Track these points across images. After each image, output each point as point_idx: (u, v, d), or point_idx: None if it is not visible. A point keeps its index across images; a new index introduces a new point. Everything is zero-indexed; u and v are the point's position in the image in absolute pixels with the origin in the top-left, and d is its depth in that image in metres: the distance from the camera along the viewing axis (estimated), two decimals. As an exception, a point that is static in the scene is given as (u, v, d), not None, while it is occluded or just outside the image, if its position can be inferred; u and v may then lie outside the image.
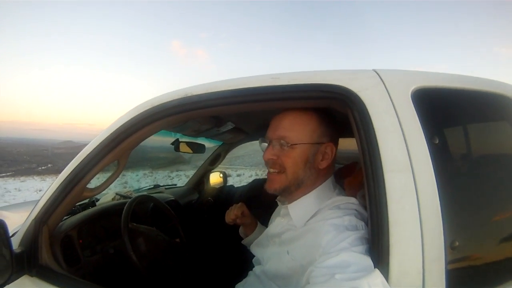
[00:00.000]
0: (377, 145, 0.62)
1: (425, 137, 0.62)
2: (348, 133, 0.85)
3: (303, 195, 0.82)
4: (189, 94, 0.78)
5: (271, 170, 0.82)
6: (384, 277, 0.56)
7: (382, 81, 0.68)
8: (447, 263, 0.58)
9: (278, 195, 0.87)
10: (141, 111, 0.81)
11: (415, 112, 0.65)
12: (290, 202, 0.84)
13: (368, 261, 0.59)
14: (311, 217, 0.79)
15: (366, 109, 0.65)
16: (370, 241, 0.64)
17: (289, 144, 0.78)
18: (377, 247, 0.59)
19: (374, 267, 0.58)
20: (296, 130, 0.79)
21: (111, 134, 0.83)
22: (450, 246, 0.59)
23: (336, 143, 0.85)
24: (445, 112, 0.72)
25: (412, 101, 0.66)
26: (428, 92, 0.69)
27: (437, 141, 0.64)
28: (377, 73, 0.70)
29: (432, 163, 0.61)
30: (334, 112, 0.81)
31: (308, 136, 0.79)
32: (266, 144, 0.85)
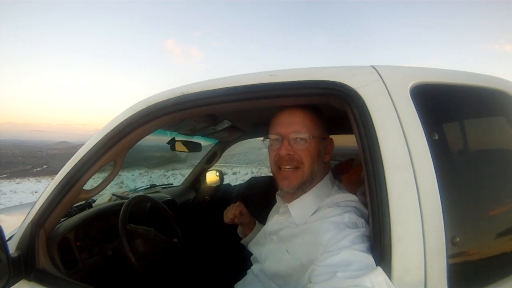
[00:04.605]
0: (377, 142, 0.61)
1: (425, 133, 0.62)
2: (344, 130, 0.84)
3: (303, 194, 0.82)
4: (186, 93, 0.77)
5: (287, 166, 0.81)
6: (387, 274, 0.55)
7: (381, 77, 0.68)
8: (448, 258, 0.58)
9: (294, 192, 0.84)
10: (137, 110, 0.80)
11: (414, 108, 0.64)
12: (289, 201, 0.84)
13: (369, 259, 0.59)
14: (312, 215, 0.79)
15: (366, 106, 0.65)
16: (370, 238, 0.63)
17: (305, 139, 0.80)
18: (379, 245, 0.59)
19: (376, 265, 0.58)
20: (308, 125, 0.81)
21: (107, 134, 0.82)
22: (451, 242, 0.59)
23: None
24: (444, 108, 0.71)
25: (411, 97, 0.65)
26: (427, 88, 0.68)
27: (436, 137, 0.64)
28: (376, 69, 0.69)
29: (432, 159, 0.60)
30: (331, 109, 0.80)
31: (318, 131, 0.83)
32: (270, 142, 0.85)
